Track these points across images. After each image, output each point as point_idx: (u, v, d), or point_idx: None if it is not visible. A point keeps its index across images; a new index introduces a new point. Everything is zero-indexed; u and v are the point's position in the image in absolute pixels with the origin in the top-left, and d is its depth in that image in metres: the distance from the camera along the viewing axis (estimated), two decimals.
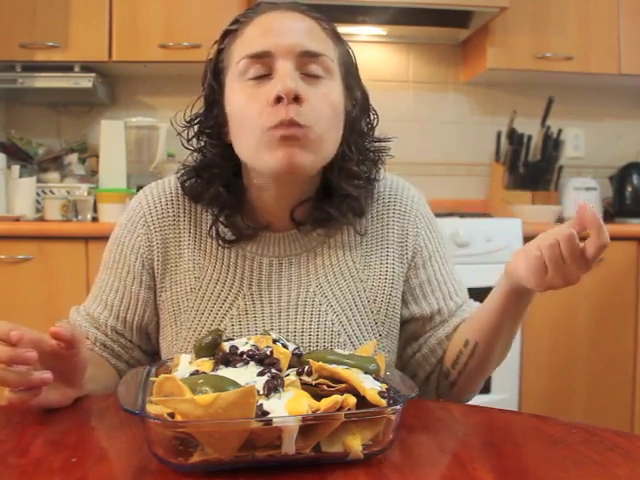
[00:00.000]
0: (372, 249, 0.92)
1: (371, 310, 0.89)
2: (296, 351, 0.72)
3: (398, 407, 0.60)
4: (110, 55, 2.26)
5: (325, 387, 0.63)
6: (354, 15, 2.47)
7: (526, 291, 0.81)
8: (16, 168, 2.21)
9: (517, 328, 0.89)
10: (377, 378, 0.66)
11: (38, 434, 0.68)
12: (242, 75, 0.81)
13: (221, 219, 0.88)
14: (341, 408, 0.59)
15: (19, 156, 2.42)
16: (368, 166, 0.90)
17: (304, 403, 0.59)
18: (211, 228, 0.88)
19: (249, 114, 0.80)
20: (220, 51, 0.88)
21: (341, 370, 0.64)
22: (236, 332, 0.86)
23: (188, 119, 0.89)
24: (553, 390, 2.23)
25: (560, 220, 2.28)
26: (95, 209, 2.16)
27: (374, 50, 2.71)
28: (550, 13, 2.45)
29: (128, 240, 0.90)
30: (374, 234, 0.92)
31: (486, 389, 2.12)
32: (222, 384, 0.60)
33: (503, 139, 2.69)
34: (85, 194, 2.21)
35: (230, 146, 0.86)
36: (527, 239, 0.85)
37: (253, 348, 0.68)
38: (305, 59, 0.81)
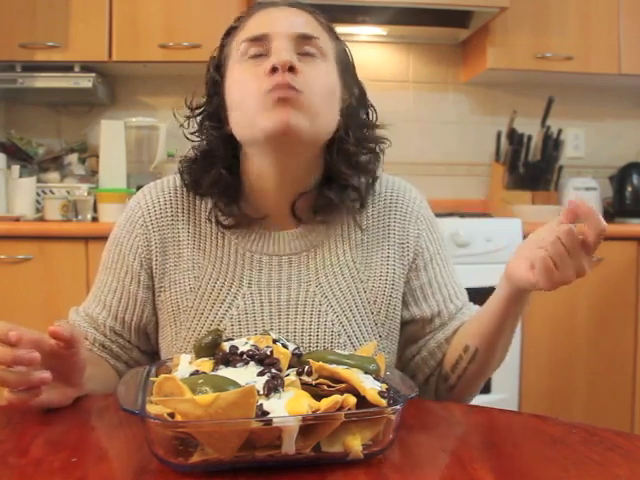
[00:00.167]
0: (373, 250, 0.92)
1: (371, 311, 0.89)
2: (296, 351, 0.72)
3: (398, 407, 0.60)
4: (110, 55, 2.26)
5: (325, 387, 0.63)
6: (354, 15, 2.47)
7: (525, 294, 0.81)
8: (16, 168, 2.21)
9: (514, 331, 0.88)
10: (377, 378, 0.66)
11: (38, 434, 0.68)
12: (242, 56, 0.85)
13: (220, 205, 0.88)
14: (341, 408, 0.59)
15: (19, 156, 2.42)
16: (367, 155, 0.91)
17: (304, 403, 0.59)
18: (210, 212, 0.89)
19: (247, 86, 0.83)
20: (222, 47, 0.91)
21: (341, 370, 0.64)
22: (236, 332, 0.86)
23: (189, 110, 0.91)
24: (553, 390, 2.23)
25: None
26: (95, 209, 2.16)
27: (374, 50, 2.71)
28: (550, 13, 2.45)
29: (126, 240, 0.91)
30: (375, 234, 0.92)
31: (486, 389, 2.12)
32: (222, 384, 0.60)
33: (503, 139, 2.69)
34: (85, 194, 2.21)
35: (230, 136, 0.87)
36: None
37: (253, 348, 0.68)
38: (300, 41, 0.84)
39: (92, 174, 2.42)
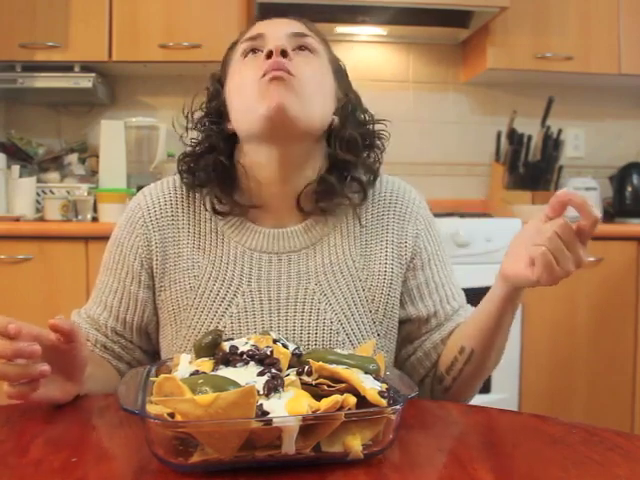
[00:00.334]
0: (371, 249, 0.92)
1: (370, 309, 0.90)
2: (296, 351, 0.72)
3: (398, 407, 0.60)
4: (110, 55, 2.26)
5: (325, 387, 0.63)
6: (354, 15, 2.47)
7: (521, 292, 0.82)
8: (16, 168, 2.21)
9: (509, 331, 0.89)
10: (377, 378, 0.66)
11: (38, 434, 0.68)
12: (241, 56, 0.90)
13: (216, 192, 0.90)
14: (341, 408, 0.59)
15: (19, 156, 2.42)
16: (368, 146, 0.93)
17: (304, 403, 0.59)
18: (204, 200, 0.91)
19: (245, 78, 0.87)
20: (224, 61, 0.96)
21: (341, 370, 0.64)
22: (235, 329, 0.86)
23: (187, 119, 0.94)
24: (553, 390, 2.23)
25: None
26: (95, 209, 2.16)
27: (374, 50, 2.71)
28: (550, 13, 2.45)
29: (127, 241, 0.91)
30: (374, 233, 0.93)
31: (486, 389, 2.12)
32: (222, 384, 0.60)
33: (503, 139, 2.69)
34: (85, 194, 2.21)
35: (229, 136, 0.91)
36: None
37: (253, 348, 0.68)
38: (294, 38, 0.89)
39: (92, 174, 2.42)
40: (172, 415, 0.58)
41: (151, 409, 0.59)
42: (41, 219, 2.19)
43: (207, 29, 2.24)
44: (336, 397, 0.60)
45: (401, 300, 0.93)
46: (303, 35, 0.90)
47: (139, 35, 2.26)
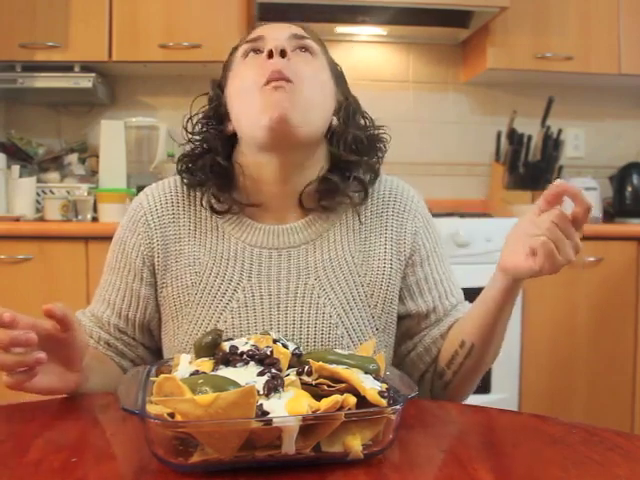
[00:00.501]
0: (370, 245, 0.93)
1: (368, 304, 0.91)
2: (296, 351, 0.72)
3: (398, 407, 0.60)
4: (110, 55, 2.26)
5: (325, 387, 0.63)
6: (354, 15, 2.47)
7: (520, 284, 0.83)
8: (16, 168, 2.21)
9: (507, 325, 0.90)
10: (377, 378, 0.66)
11: (38, 434, 0.68)
12: (241, 57, 0.91)
13: (213, 191, 0.91)
14: (341, 408, 0.59)
15: (19, 156, 2.42)
16: (369, 149, 0.94)
17: (304, 403, 0.59)
18: (202, 199, 0.92)
19: (246, 80, 0.88)
20: (225, 65, 0.96)
21: (341, 370, 0.64)
22: (236, 324, 0.87)
23: (188, 119, 0.95)
24: (553, 390, 2.23)
25: None
26: (95, 209, 2.16)
27: (374, 50, 2.71)
28: (550, 13, 2.45)
29: (129, 239, 0.93)
30: (372, 230, 0.94)
31: (486, 389, 2.12)
32: (222, 384, 0.60)
33: (503, 139, 2.69)
34: (85, 194, 2.21)
35: (228, 137, 0.92)
36: None
37: (253, 348, 0.68)
38: (294, 40, 0.90)
39: (92, 174, 2.42)
40: (172, 415, 0.58)
41: (151, 409, 0.59)
42: (41, 219, 2.19)
43: (207, 29, 2.24)
44: (336, 397, 0.60)
45: (400, 296, 0.95)
46: (303, 37, 0.91)
47: (139, 35, 2.26)
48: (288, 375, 0.67)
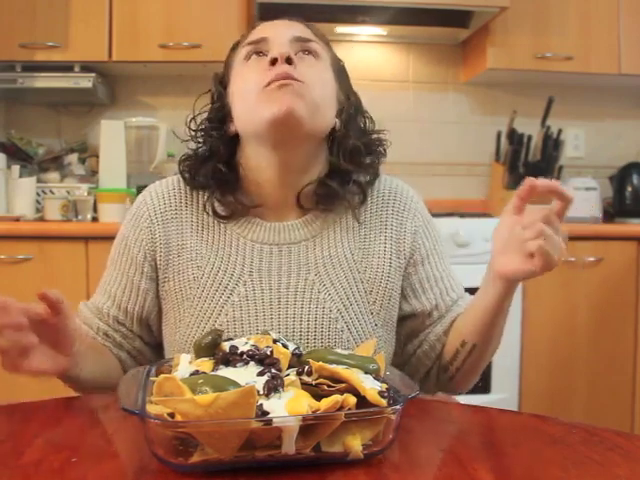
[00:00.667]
0: (370, 243, 0.94)
1: (368, 300, 0.92)
2: (296, 351, 0.72)
3: (398, 407, 0.60)
4: (110, 55, 2.26)
5: (325, 387, 0.63)
6: (354, 15, 2.47)
7: (516, 285, 0.84)
8: (16, 168, 2.21)
9: (506, 319, 0.91)
10: (377, 378, 0.66)
11: (38, 434, 0.68)
12: (244, 59, 0.91)
13: (216, 195, 0.92)
14: (341, 408, 0.59)
15: (19, 156, 2.42)
16: (369, 154, 0.95)
17: (304, 403, 0.59)
18: (205, 205, 0.93)
19: (249, 82, 0.88)
20: (226, 61, 0.97)
21: (341, 370, 0.64)
22: (237, 317, 0.88)
23: (191, 119, 0.96)
24: (553, 390, 2.23)
25: None
26: (95, 209, 2.16)
27: (374, 50, 2.71)
28: (550, 13, 2.45)
29: (132, 234, 0.94)
30: (372, 229, 0.95)
31: (486, 389, 2.12)
32: (222, 384, 0.60)
33: (503, 139, 2.69)
34: (85, 194, 2.21)
35: (230, 138, 0.92)
36: None
37: (253, 348, 0.68)
38: (297, 43, 0.90)
39: (92, 174, 2.42)
40: (172, 415, 0.58)
41: (151, 409, 0.59)
42: (41, 219, 2.19)
43: (207, 29, 2.24)
44: (336, 397, 0.60)
45: (405, 295, 0.96)
46: (306, 40, 0.91)
47: (139, 35, 2.26)
48: (288, 375, 0.67)
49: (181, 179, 0.96)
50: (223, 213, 0.93)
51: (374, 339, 0.86)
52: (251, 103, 0.87)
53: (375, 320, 0.92)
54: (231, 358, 0.66)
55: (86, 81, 2.29)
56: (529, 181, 0.77)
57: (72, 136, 2.57)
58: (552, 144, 2.60)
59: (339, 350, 0.75)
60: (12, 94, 2.42)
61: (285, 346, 0.72)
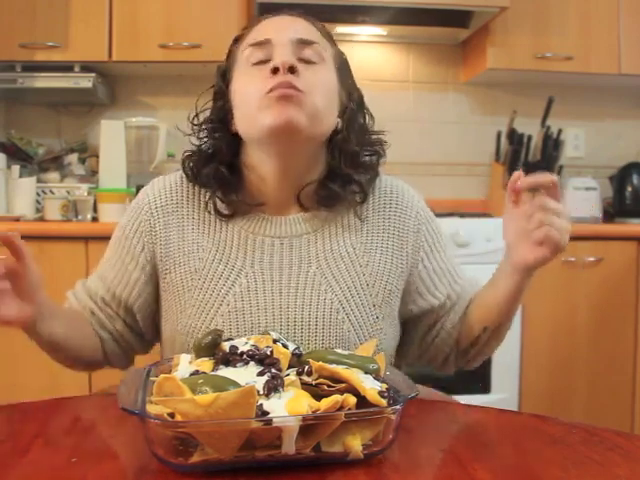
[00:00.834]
0: (372, 239, 0.96)
1: (370, 293, 0.93)
2: (296, 351, 0.73)
3: (398, 407, 0.60)
4: (110, 55, 2.26)
5: (325, 387, 0.64)
6: (354, 15, 2.46)
7: (532, 273, 0.88)
8: (16, 168, 2.21)
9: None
10: (377, 378, 0.66)
11: (38, 434, 0.68)
12: (246, 61, 0.91)
13: (218, 195, 0.93)
14: (341, 408, 0.59)
15: (19, 156, 2.42)
16: (370, 155, 0.97)
17: (304, 403, 0.59)
18: (207, 203, 0.94)
19: (251, 88, 0.88)
20: (228, 55, 0.96)
21: (341, 370, 0.64)
22: (239, 308, 0.89)
23: (194, 116, 0.96)
24: (553, 390, 2.23)
25: None
26: (95, 209, 2.16)
27: (374, 50, 2.71)
28: (550, 13, 2.45)
29: (131, 224, 0.96)
30: (374, 226, 0.96)
31: (486, 389, 2.12)
32: (222, 384, 0.60)
33: (503, 139, 2.69)
34: (85, 194, 2.21)
35: (232, 136, 0.93)
36: None
37: (253, 348, 0.68)
38: (300, 46, 0.89)
39: (92, 174, 2.42)
40: (172, 415, 0.58)
41: (151, 409, 0.60)
42: (41, 219, 2.19)
43: (207, 29, 2.24)
44: (336, 397, 0.60)
45: (419, 292, 0.98)
46: (310, 42, 0.90)
47: (139, 35, 2.26)
48: (288, 375, 0.67)
49: (184, 175, 0.97)
50: (225, 212, 0.93)
51: (374, 340, 0.86)
52: (252, 109, 0.87)
53: (377, 313, 0.93)
54: (231, 358, 0.67)
55: (86, 81, 2.28)
56: (514, 177, 0.84)
57: (72, 136, 2.57)
58: (552, 144, 2.60)
59: (339, 350, 0.75)
60: (12, 94, 2.42)
61: (285, 346, 0.72)
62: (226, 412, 0.56)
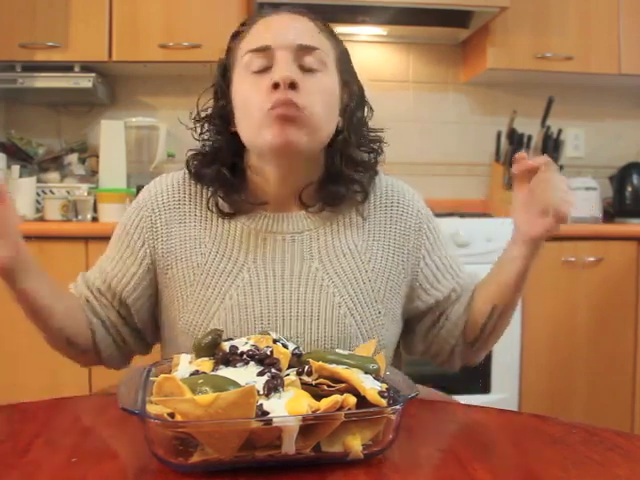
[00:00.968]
0: (374, 237, 0.97)
1: (372, 289, 0.94)
2: (296, 351, 0.73)
3: (398, 407, 0.60)
4: (110, 55, 2.26)
5: (325, 387, 0.64)
6: (354, 15, 2.47)
7: (540, 245, 0.90)
8: (16, 168, 2.21)
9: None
10: (377, 378, 0.66)
11: (38, 434, 0.68)
12: (247, 68, 0.90)
13: (220, 194, 0.94)
14: (341, 408, 0.59)
15: (19, 156, 2.42)
16: (368, 153, 0.98)
17: (304, 403, 0.59)
18: (209, 201, 0.95)
19: (252, 100, 0.88)
20: (228, 51, 0.95)
21: (341, 370, 0.64)
22: (241, 302, 0.90)
23: (196, 114, 0.97)
24: (553, 390, 2.23)
25: None
26: (95, 209, 2.16)
27: (374, 50, 2.71)
28: (550, 13, 2.45)
29: (132, 220, 0.97)
30: (376, 223, 0.97)
31: (486, 389, 2.12)
32: (222, 384, 0.60)
33: (503, 139, 2.69)
34: (85, 194, 2.21)
35: (234, 135, 0.93)
36: None
37: (253, 348, 0.68)
38: (301, 52, 0.88)
39: (92, 174, 2.42)
40: (172, 415, 0.58)
41: (151, 409, 0.60)
42: (41, 219, 2.19)
43: (207, 29, 2.24)
44: (336, 397, 0.60)
45: (424, 288, 0.99)
46: (311, 49, 0.89)
47: (139, 35, 2.26)
48: (288, 375, 0.67)
49: (186, 173, 0.98)
50: (227, 210, 0.94)
51: (374, 340, 0.86)
52: (254, 124, 0.87)
53: (379, 308, 0.93)
54: (231, 358, 0.67)
55: (86, 81, 2.28)
56: (517, 157, 0.95)
57: (72, 136, 2.57)
58: (552, 144, 2.60)
59: (339, 350, 0.75)
60: (12, 94, 2.42)
61: (285, 346, 0.72)
62: (226, 412, 0.56)
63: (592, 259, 2.21)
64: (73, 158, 2.46)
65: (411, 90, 2.75)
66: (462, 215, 2.28)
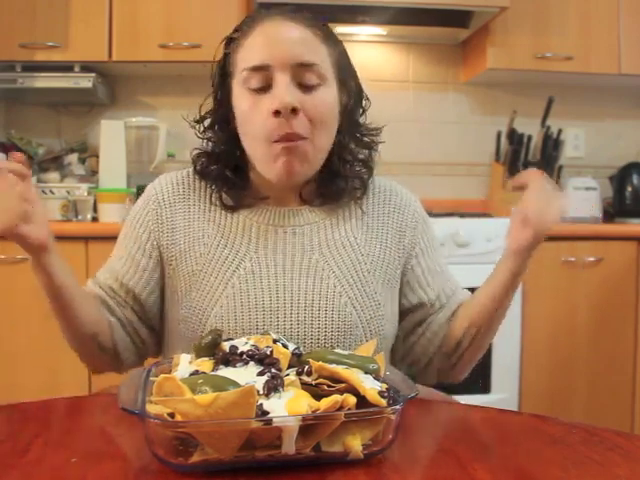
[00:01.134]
0: (372, 232, 0.99)
1: (371, 280, 0.96)
2: (296, 351, 0.73)
3: (398, 407, 0.60)
4: (110, 55, 2.26)
5: (325, 387, 0.64)
6: (354, 15, 2.47)
7: (526, 264, 0.91)
8: None
9: (507, 310, 0.97)
10: (377, 378, 0.66)
11: (38, 434, 0.68)
12: (245, 84, 0.91)
13: (224, 189, 0.97)
14: (341, 408, 0.59)
15: None
16: (367, 150, 1.00)
17: (304, 403, 0.59)
18: (212, 195, 0.97)
19: (253, 119, 0.90)
20: (225, 56, 0.95)
21: (341, 370, 0.64)
22: (243, 289, 0.91)
23: (199, 117, 0.99)
24: (553, 390, 2.23)
25: None
26: (95, 209, 2.16)
27: (374, 50, 2.71)
28: (550, 13, 2.45)
29: (139, 216, 0.99)
30: (374, 219, 1.00)
31: (486, 389, 2.12)
32: (222, 384, 0.60)
33: (503, 139, 2.69)
34: (85, 194, 2.21)
35: (236, 134, 0.95)
36: None
37: (253, 348, 0.68)
38: (300, 69, 0.89)
39: (92, 174, 2.42)
40: (172, 415, 0.58)
41: (151, 409, 0.60)
42: None
43: (207, 29, 2.24)
44: (336, 397, 0.60)
45: (411, 287, 1.00)
46: (310, 65, 0.88)
47: (139, 35, 2.26)
48: (288, 375, 0.67)
49: (191, 170, 1.00)
50: (230, 204, 0.97)
51: (374, 340, 0.86)
52: (258, 151, 0.91)
53: (378, 299, 0.95)
54: (231, 358, 0.67)
55: (86, 81, 2.29)
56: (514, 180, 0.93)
57: (72, 136, 2.57)
58: (552, 144, 2.60)
59: (339, 350, 0.75)
60: (12, 94, 2.42)
61: (285, 346, 0.72)
62: (226, 412, 0.56)
63: (592, 259, 2.21)
64: (73, 158, 2.46)
65: (411, 90, 2.75)
66: (462, 215, 2.28)
